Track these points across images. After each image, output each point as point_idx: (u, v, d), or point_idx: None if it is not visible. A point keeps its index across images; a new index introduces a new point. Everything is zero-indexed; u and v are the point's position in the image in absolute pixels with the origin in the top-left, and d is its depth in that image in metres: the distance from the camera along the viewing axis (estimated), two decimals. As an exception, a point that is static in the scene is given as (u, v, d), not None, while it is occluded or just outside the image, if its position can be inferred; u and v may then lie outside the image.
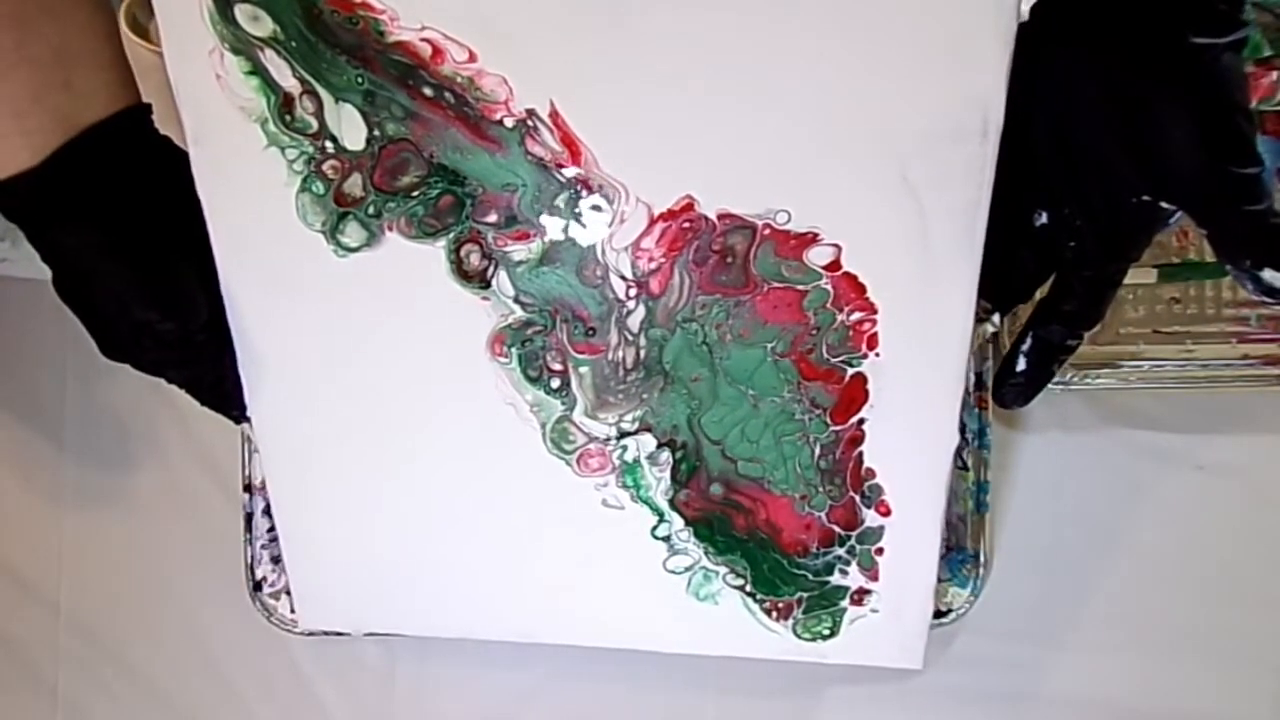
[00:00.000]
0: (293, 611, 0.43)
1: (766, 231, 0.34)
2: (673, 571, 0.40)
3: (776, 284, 0.35)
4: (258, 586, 0.45)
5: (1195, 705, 0.45)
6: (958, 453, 0.39)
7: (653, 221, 0.35)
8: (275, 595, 0.45)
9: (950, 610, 0.42)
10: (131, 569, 0.47)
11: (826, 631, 0.40)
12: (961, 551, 0.42)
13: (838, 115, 0.32)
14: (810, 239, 0.34)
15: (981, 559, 0.42)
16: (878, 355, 0.36)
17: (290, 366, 0.38)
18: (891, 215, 0.33)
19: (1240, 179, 0.28)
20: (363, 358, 0.37)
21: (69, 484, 0.47)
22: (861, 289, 0.35)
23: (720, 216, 0.34)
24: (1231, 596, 0.44)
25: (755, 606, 0.40)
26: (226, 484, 0.46)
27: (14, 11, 0.30)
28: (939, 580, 0.40)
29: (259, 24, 0.33)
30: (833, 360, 0.36)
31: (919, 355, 0.35)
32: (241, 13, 0.32)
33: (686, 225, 0.34)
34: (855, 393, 0.36)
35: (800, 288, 0.35)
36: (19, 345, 0.46)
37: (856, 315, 0.35)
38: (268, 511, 0.44)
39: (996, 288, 0.35)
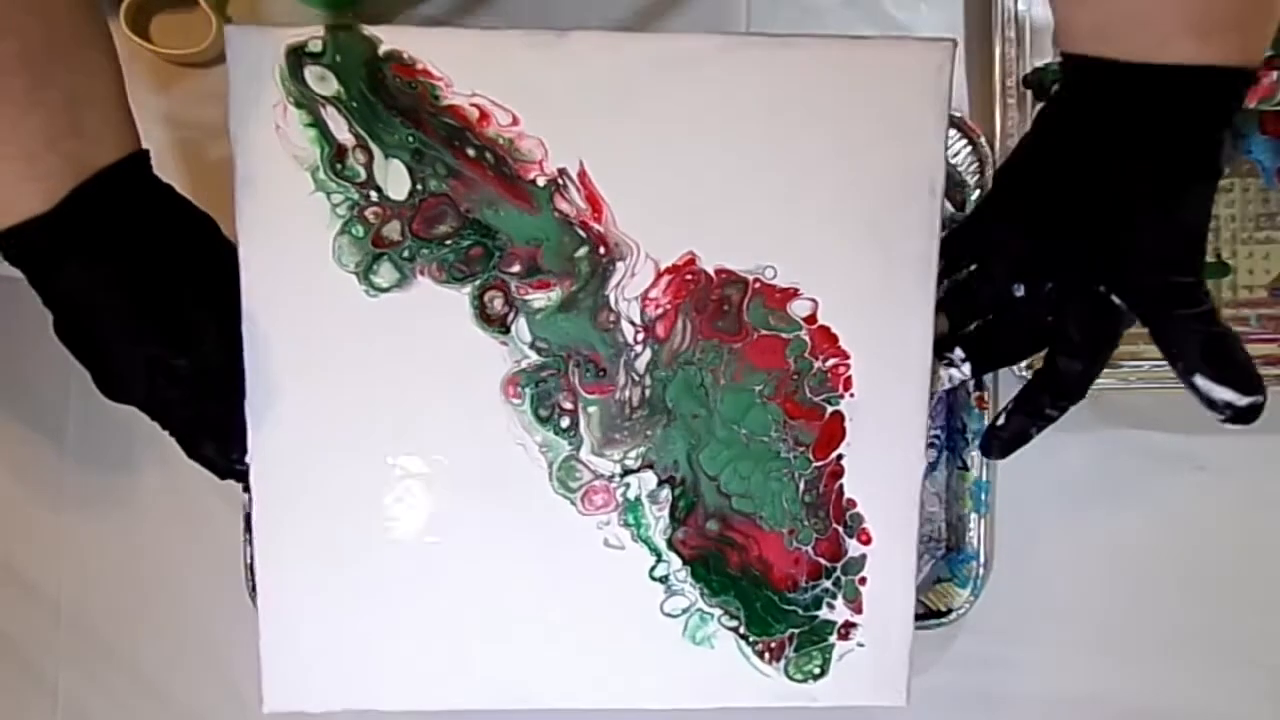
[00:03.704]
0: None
1: (757, 285, 0.40)
2: (670, 615, 0.41)
3: (765, 332, 0.40)
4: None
5: (1194, 704, 0.46)
6: (958, 453, 0.43)
7: (659, 275, 0.40)
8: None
9: (950, 610, 0.44)
10: (131, 569, 0.47)
11: (817, 670, 0.42)
12: (961, 551, 0.45)
13: (818, 183, 0.39)
14: (793, 293, 0.40)
15: (981, 559, 0.44)
16: (853, 396, 0.41)
17: (301, 405, 0.39)
18: (861, 266, 0.40)
19: (1180, 286, 0.32)
20: (379, 398, 0.39)
21: (70, 484, 0.46)
22: (834, 339, 0.40)
23: (717, 271, 0.40)
24: (1231, 596, 0.46)
25: (749, 650, 0.41)
26: (226, 484, 0.44)
27: (27, 55, 0.30)
28: (939, 580, 0.43)
29: (325, 84, 0.37)
30: (814, 400, 0.41)
31: (888, 394, 0.41)
32: (311, 73, 0.37)
33: (689, 278, 0.40)
34: (834, 430, 0.41)
35: (784, 336, 0.40)
36: (20, 345, 0.46)
37: (832, 361, 0.41)
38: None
39: (980, 349, 0.40)
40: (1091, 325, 0.35)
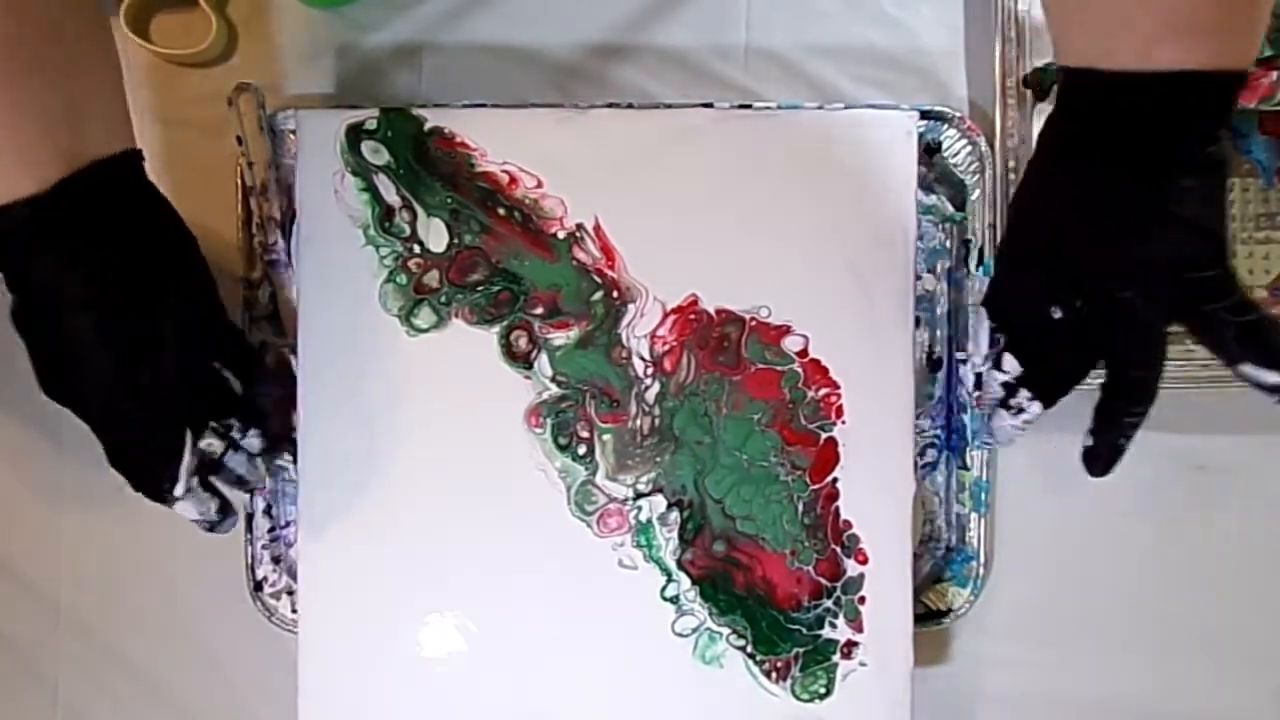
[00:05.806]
0: (293, 611, 0.43)
1: (753, 323, 0.44)
2: (680, 634, 0.43)
3: (761, 365, 0.44)
4: (258, 586, 0.45)
5: (1195, 704, 0.46)
6: (960, 452, 0.45)
7: (666, 315, 0.44)
8: (275, 595, 0.45)
9: (950, 610, 0.45)
10: (131, 569, 0.46)
11: (822, 690, 0.43)
12: (961, 551, 0.45)
13: (805, 233, 0.44)
14: (786, 330, 0.45)
15: (981, 559, 0.45)
16: (844, 423, 0.44)
17: (348, 429, 0.43)
18: (846, 305, 0.44)
19: (1200, 281, 0.32)
20: (416, 426, 0.43)
21: (69, 484, 0.46)
22: (825, 371, 0.45)
23: (718, 311, 0.44)
24: (1232, 596, 0.46)
25: (756, 669, 0.43)
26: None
27: (22, 40, 0.31)
28: (939, 580, 0.44)
29: (378, 155, 0.44)
30: (809, 427, 0.44)
31: (876, 420, 0.44)
32: (366, 146, 0.43)
33: (692, 317, 0.44)
34: (828, 454, 0.44)
35: (779, 369, 0.45)
36: (19, 345, 0.44)
37: (823, 391, 0.45)
38: (268, 511, 0.45)
39: (1042, 383, 0.38)
40: (1132, 332, 0.35)
